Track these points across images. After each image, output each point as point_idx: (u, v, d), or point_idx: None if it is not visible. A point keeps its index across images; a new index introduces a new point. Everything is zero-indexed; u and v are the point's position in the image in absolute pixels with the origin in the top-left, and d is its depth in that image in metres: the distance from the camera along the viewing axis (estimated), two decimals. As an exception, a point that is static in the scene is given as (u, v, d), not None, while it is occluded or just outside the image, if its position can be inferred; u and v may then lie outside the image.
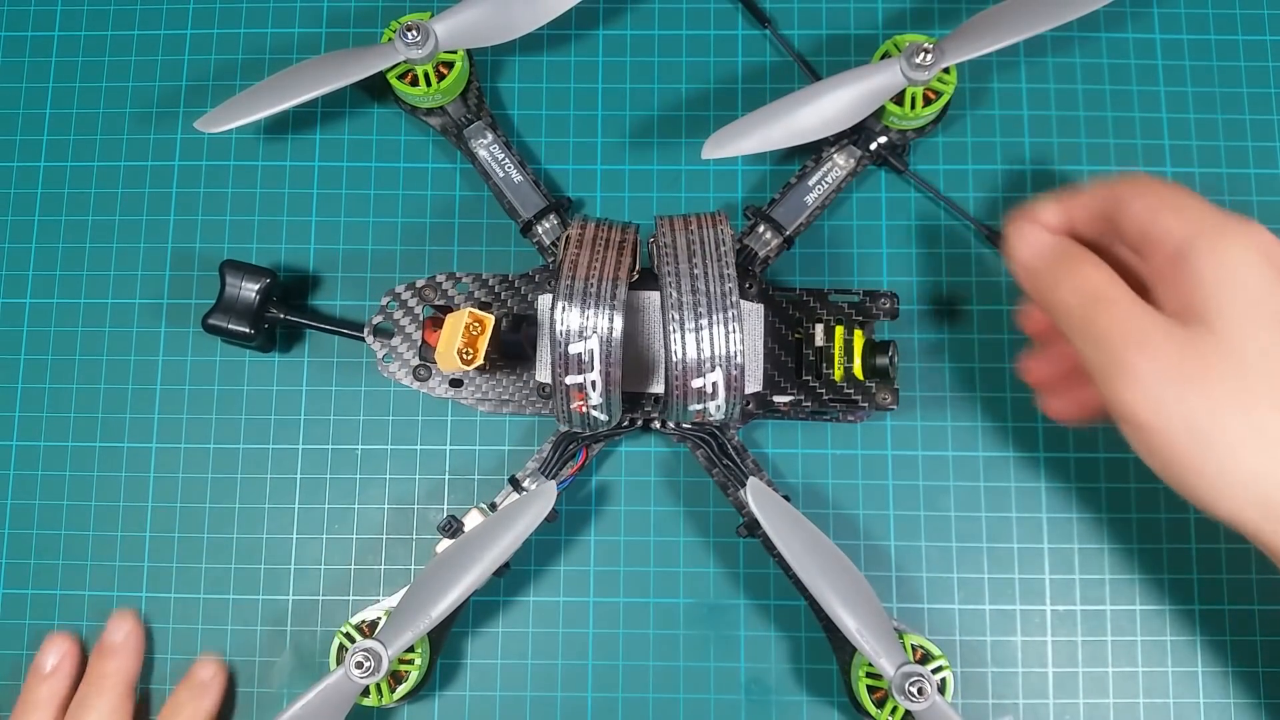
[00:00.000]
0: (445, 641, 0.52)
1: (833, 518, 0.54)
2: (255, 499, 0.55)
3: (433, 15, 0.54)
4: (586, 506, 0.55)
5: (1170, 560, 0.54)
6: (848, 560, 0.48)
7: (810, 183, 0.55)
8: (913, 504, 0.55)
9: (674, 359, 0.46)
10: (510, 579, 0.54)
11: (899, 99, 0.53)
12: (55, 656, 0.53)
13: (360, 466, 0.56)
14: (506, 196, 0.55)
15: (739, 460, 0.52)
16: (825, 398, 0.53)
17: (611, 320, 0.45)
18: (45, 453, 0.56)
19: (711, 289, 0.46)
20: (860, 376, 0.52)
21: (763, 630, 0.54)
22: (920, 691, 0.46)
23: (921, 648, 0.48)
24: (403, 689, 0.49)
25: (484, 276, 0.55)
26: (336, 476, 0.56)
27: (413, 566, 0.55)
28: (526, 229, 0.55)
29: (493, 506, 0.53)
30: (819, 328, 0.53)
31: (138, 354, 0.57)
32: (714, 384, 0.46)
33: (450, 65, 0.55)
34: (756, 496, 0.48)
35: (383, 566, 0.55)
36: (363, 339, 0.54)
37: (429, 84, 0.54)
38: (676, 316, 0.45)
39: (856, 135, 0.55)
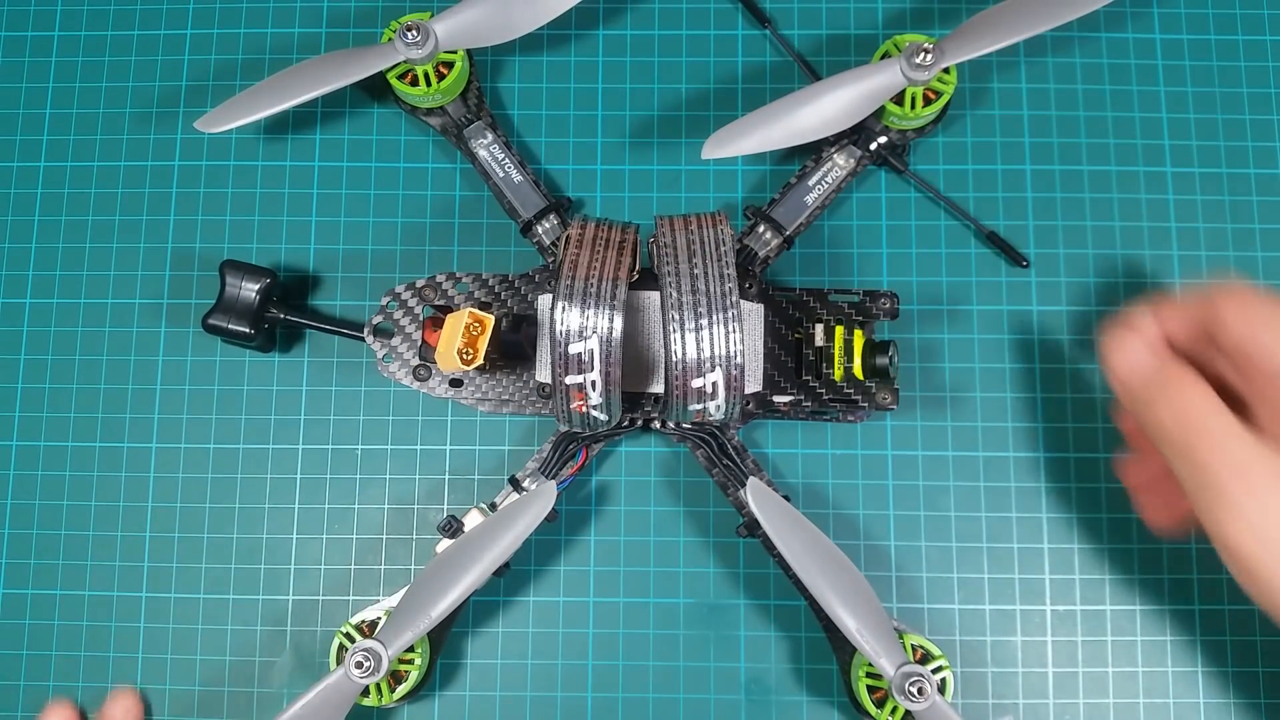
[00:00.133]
0: (445, 641, 0.52)
1: (833, 518, 0.54)
2: (255, 499, 0.55)
3: (433, 15, 0.54)
4: (586, 506, 0.55)
5: (1170, 560, 0.54)
6: (848, 560, 0.48)
7: (810, 183, 0.55)
8: (913, 504, 0.55)
9: (674, 359, 0.46)
10: (510, 579, 0.54)
11: (899, 99, 0.53)
12: None
13: (360, 466, 0.56)
14: (506, 196, 0.55)
15: (739, 460, 0.52)
16: (825, 398, 0.53)
17: (611, 320, 0.45)
18: (45, 453, 0.56)
19: (711, 289, 0.46)
20: (860, 376, 0.52)
21: (763, 630, 0.54)
22: (920, 691, 0.46)
23: (921, 648, 0.48)
24: (403, 689, 0.49)
25: (484, 276, 0.55)
26: (336, 476, 0.56)
27: (413, 566, 0.55)
28: (526, 229, 0.55)
29: (493, 506, 0.53)
30: (819, 328, 0.53)
31: (138, 354, 0.57)
32: (714, 384, 0.46)
33: (450, 65, 0.55)
34: (756, 496, 0.48)
35: (383, 566, 0.55)
36: (363, 339, 0.54)
37: (429, 84, 0.54)
38: (676, 316, 0.45)
39: (856, 135, 0.55)
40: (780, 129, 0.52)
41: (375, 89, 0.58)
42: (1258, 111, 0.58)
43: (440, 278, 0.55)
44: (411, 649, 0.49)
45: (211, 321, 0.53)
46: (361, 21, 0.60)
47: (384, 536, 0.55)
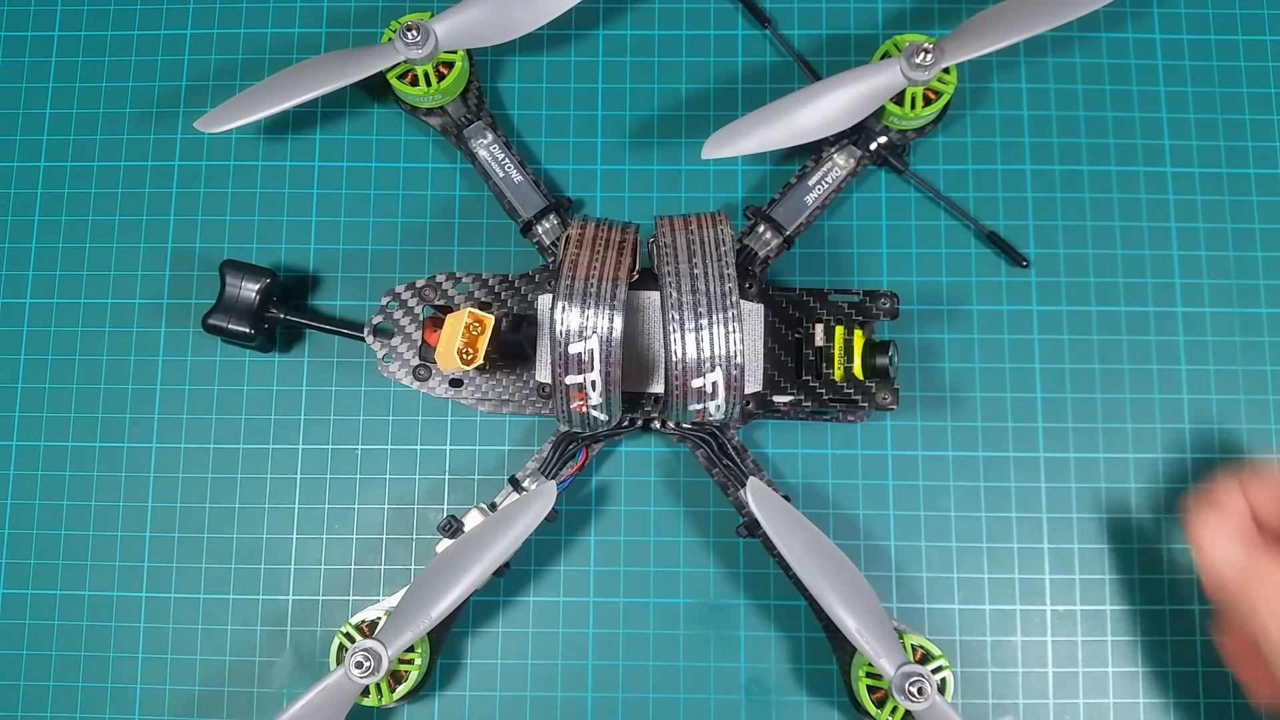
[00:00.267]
0: (445, 641, 0.52)
1: (833, 518, 0.54)
2: (255, 499, 0.55)
3: (433, 15, 0.54)
4: (586, 506, 0.55)
5: (1170, 560, 0.54)
6: (848, 560, 0.48)
7: (810, 183, 0.55)
8: (913, 504, 0.55)
9: (674, 359, 0.46)
10: (510, 579, 0.54)
11: (899, 99, 0.53)
12: None
13: (360, 466, 0.56)
14: (506, 196, 0.55)
15: (739, 460, 0.52)
16: (825, 398, 0.53)
17: (611, 320, 0.45)
18: (45, 453, 0.56)
19: (711, 289, 0.46)
20: (860, 376, 0.52)
21: (763, 630, 0.54)
22: (920, 691, 0.46)
23: (921, 648, 0.48)
24: (403, 689, 0.49)
25: (484, 276, 0.55)
26: (336, 476, 0.56)
27: (413, 566, 0.55)
28: (526, 229, 0.55)
29: (493, 506, 0.53)
30: (819, 328, 0.53)
31: (138, 354, 0.57)
32: (714, 384, 0.46)
33: (450, 65, 0.55)
34: (756, 496, 0.48)
35: (383, 566, 0.55)
36: (363, 339, 0.54)
37: (429, 84, 0.54)
38: (676, 316, 0.45)
39: (856, 135, 0.55)
40: (780, 129, 0.52)
41: (375, 89, 0.58)
42: (1258, 111, 0.58)
43: (440, 278, 0.55)
44: (411, 649, 0.49)
45: (211, 321, 0.53)
46: (361, 21, 0.60)
47: (384, 536, 0.55)
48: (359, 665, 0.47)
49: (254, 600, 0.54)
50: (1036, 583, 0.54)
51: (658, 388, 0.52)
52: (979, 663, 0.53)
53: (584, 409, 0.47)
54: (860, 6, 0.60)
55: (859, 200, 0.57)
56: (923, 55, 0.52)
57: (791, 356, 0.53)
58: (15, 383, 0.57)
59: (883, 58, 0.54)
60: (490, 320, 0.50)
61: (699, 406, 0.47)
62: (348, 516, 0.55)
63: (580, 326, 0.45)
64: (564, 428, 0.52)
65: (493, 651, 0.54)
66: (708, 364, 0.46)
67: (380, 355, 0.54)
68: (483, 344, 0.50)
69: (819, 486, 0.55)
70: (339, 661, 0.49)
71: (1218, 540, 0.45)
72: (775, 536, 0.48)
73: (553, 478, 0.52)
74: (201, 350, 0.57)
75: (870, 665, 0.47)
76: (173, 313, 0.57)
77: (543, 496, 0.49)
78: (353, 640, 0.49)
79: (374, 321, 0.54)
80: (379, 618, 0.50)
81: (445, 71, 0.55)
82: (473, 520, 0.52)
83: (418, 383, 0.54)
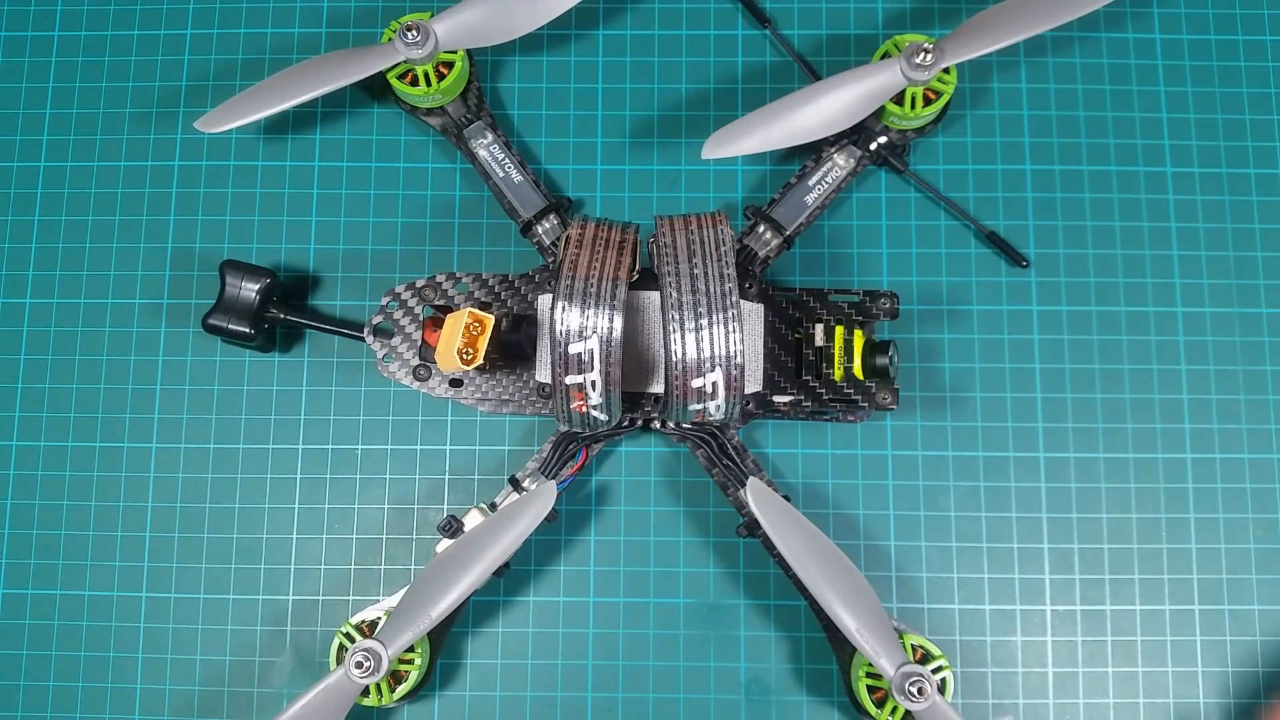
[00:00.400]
0: (445, 641, 0.52)
1: (833, 518, 0.54)
2: (255, 499, 0.55)
3: (433, 15, 0.54)
4: (586, 506, 0.55)
5: (1170, 560, 0.54)
6: (848, 560, 0.48)
7: (810, 183, 0.55)
8: (913, 504, 0.55)
9: (674, 359, 0.46)
10: (510, 579, 0.54)
11: (899, 99, 0.53)
12: None
13: (360, 466, 0.56)
14: (506, 196, 0.55)
15: (739, 460, 0.52)
16: (825, 398, 0.52)
17: (611, 320, 0.45)
18: (45, 453, 0.56)
19: (711, 289, 0.46)
20: (860, 376, 0.52)
21: (763, 630, 0.54)
22: (920, 691, 0.46)
23: (921, 648, 0.48)
24: (403, 689, 0.49)
25: (484, 276, 0.55)
26: (336, 476, 0.56)
27: (413, 566, 0.55)
28: (526, 229, 0.55)
29: (493, 506, 0.53)
30: (819, 328, 0.53)
31: (138, 354, 0.57)
32: (714, 384, 0.46)
33: (450, 65, 0.55)
34: (756, 496, 0.48)
35: (383, 566, 0.55)
36: (363, 339, 0.54)
37: (429, 84, 0.54)
38: (676, 316, 0.45)
39: (856, 135, 0.55)
40: (780, 129, 0.52)
41: (375, 89, 0.58)
42: (1258, 111, 0.58)
43: (440, 278, 0.55)
44: (411, 649, 0.49)
45: (211, 321, 0.53)
46: (361, 21, 0.60)
47: (384, 536, 0.55)
48: (359, 665, 0.47)
49: (254, 600, 0.54)
50: (1036, 583, 0.54)
51: (658, 388, 0.52)
52: (979, 663, 0.53)
53: (584, 409, 0.47)
54: (860, 6, 0.60)
55: (859, 200, 0.57)
56: (923, 55, 0.52)
57: (791, 356, 0.53)
58: (15, 383, 0.57)
59: (883, 58, 0.54)
60: (490, 320, 0.50)
61: (699, 406, 0.47)
62: (348, 516, 0.55)
63: (580, 326, 0.45)
64: (564, 428, 0.52)
65: (493, 651, 0.54)
66: (708, 364, 0.46)
67: (380, 355, 0.54)
68: (483, 344, 0.50)
69: (819, 486, 0.55)
70: (339, 661, 0.49)
71: None
72: (775, 536, 0.48)
73: (553, 478, 0.52)
74: (201, 350, 0.57)
75: (870, 665, 0.47)
76: (173, 313, 0.57)
77: (543, 496, 0.49)
78: (353, 640, 0.49)
79: (374, 321, 0.54)
80: (379, 618, 0.50)
81: (445, 71, 0.55)
82: (473, 520, 0.52)
83: (418, 383, 0.54)
